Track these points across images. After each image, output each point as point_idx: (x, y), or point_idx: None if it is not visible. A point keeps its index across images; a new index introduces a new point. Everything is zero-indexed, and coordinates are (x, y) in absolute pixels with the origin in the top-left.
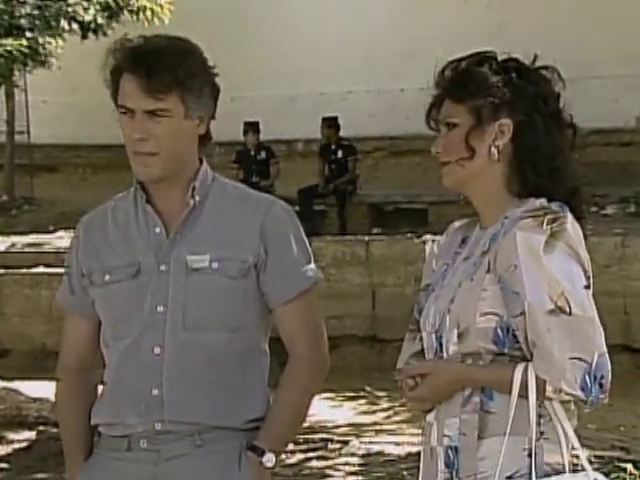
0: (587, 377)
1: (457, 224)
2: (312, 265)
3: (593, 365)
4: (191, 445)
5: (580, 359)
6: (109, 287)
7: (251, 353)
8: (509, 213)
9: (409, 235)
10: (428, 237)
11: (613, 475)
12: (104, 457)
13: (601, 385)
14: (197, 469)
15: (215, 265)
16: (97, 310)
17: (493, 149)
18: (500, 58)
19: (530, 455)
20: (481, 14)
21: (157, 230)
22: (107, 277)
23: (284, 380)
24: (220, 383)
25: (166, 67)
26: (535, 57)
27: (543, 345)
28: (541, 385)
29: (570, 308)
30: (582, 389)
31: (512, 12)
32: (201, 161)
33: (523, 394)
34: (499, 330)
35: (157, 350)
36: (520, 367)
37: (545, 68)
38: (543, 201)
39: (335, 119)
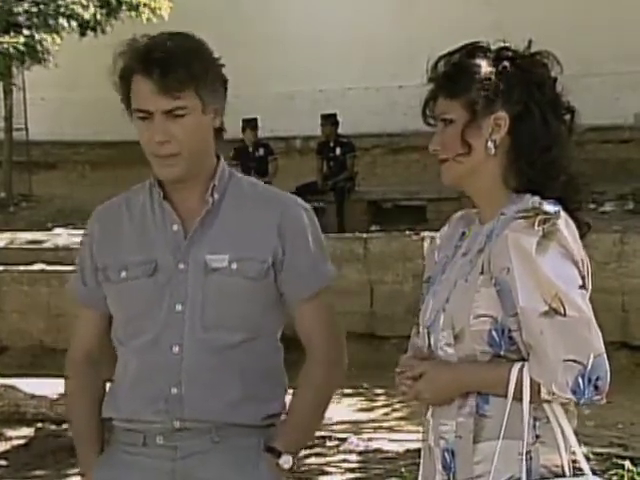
0: (580, 379)
1: (459, 214)
2: (329, 263)
3: (588, 367)
4: (209, 442)
5: (575, 361)
6: (125, 284)
7: (269, 351)
8: (505, 209)
9: (407, 232)
10: (426, 234)
11: (611, 472)
12: (119, 452)
13: (597, 387)
14: (215, 466)
15: (234, 266)
16: (110, 306)
17: (490, 144)
18: (493, 47)
19: (525, 460)
20: (481, 11)
21: (175, 228)
22: (123, 274)
23: (302, 381)
24: (239, 381)
25: (179, 64)
26: (530, 43)
27: (538, 347)
28: (536, 387)
29: (565, 309)
30: (573, 392)
31: (511, 9)
32: (218, 158)
33: (519, 396)
34: (494, 332)
35: (176, 349)
36: (516, 367)
37: (539, 53)
38: (536, 200)
39: (334, 116)
